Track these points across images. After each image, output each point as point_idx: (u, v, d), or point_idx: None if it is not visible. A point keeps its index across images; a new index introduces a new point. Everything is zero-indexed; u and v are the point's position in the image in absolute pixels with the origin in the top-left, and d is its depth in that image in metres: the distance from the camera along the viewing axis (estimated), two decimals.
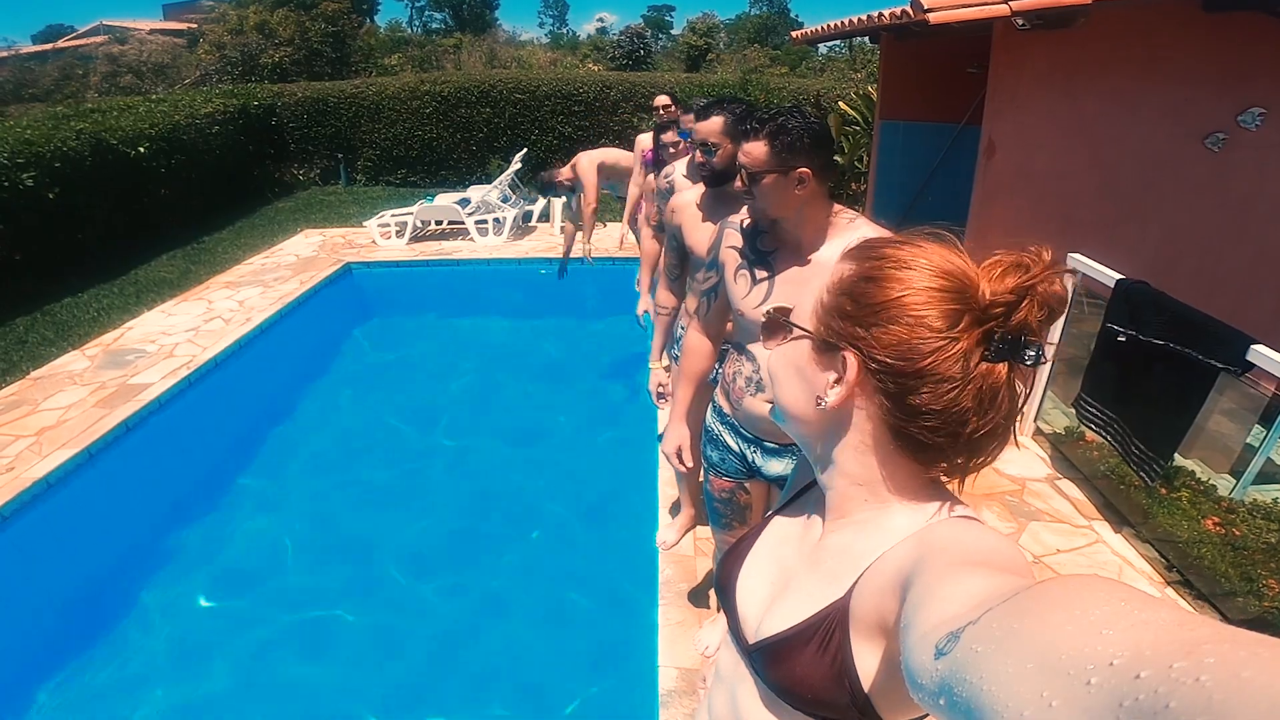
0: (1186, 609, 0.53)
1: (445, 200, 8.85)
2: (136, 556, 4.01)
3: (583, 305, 7.08)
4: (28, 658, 3.34)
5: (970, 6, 4.18)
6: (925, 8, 4.18)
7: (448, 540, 4.05)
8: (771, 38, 36.11)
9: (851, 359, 0.76)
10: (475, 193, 9.06)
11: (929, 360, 0.72)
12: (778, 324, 0.87)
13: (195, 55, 19.20)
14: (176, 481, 4.65)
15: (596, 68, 20.31)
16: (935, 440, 0.75)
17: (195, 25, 23.05)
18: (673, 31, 41.52)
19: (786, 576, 0.90)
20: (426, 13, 47.43)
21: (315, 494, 4.51)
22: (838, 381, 0.78)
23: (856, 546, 0.80)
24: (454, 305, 7.46)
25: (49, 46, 28.00)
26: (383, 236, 8.51)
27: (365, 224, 8.69)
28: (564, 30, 54.45)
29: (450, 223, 8.84)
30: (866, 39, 9.66)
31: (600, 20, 48.44)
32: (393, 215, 8.63)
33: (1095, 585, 0.47)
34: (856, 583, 0.77)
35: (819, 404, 0.80)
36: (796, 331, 0.84)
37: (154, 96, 11.73)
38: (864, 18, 6.31)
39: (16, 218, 7.14)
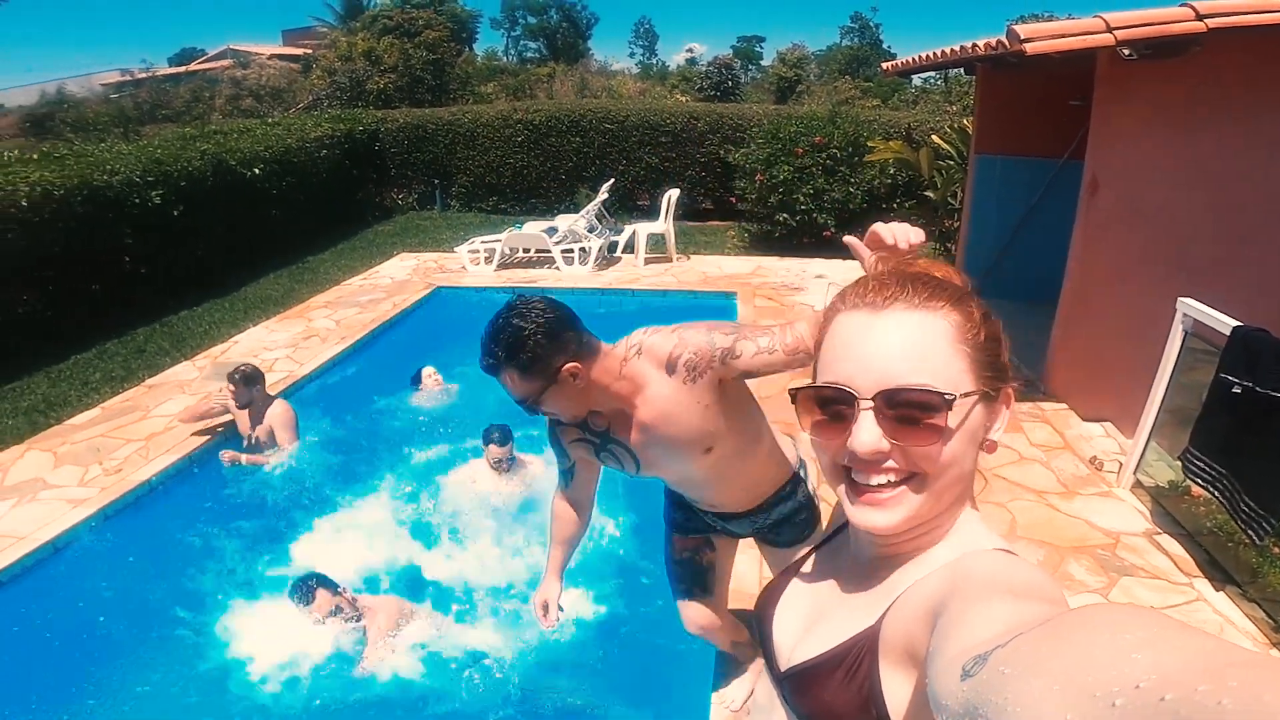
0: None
1: (533, 228, 9.03)
2: (231, 555, 4.17)
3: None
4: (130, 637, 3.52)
5: (1070, 36, 3.97)
6: (1022, 38, 4.01)
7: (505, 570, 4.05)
8: (863, 69, 35.55)
9: (1009, 394, 0.80)
10: (562, 221, 9.22)
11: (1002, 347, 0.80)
12: (937, 402, 0.75)
13: (309, 80, 20.25)
14: (265, 489, 4.81)
15: (684, 98, 20.46)
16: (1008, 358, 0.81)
17: (310, 51, 24.31)
18: (762, 62, 41.43)
19: (821, 608, 0.90)
20: (521, 42, 48.86)
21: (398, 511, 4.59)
22: (996, 423, 0.80)
23: (892, 577, 0.80)
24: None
25: (182, 69, 30.06)
26: (472, 262, 8.74)
27: (456, 250, 8.96)
28: (654, 60, 55.14)
29: (537, 251, 9.00)
30: (962, 71, 9.45)
31: (690, 51, 48.78)
32: (482, 242, 8.87)
33: (1130, 611, 0.47)
34: (887, 611, 0.77)
35: (991, 448, 0.81)
36: (963, 400, 0.75)
37: (269, 120, 12.40)
38: (958, 48, 6.04)
39: (145, 234, 7.63)
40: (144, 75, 26.76)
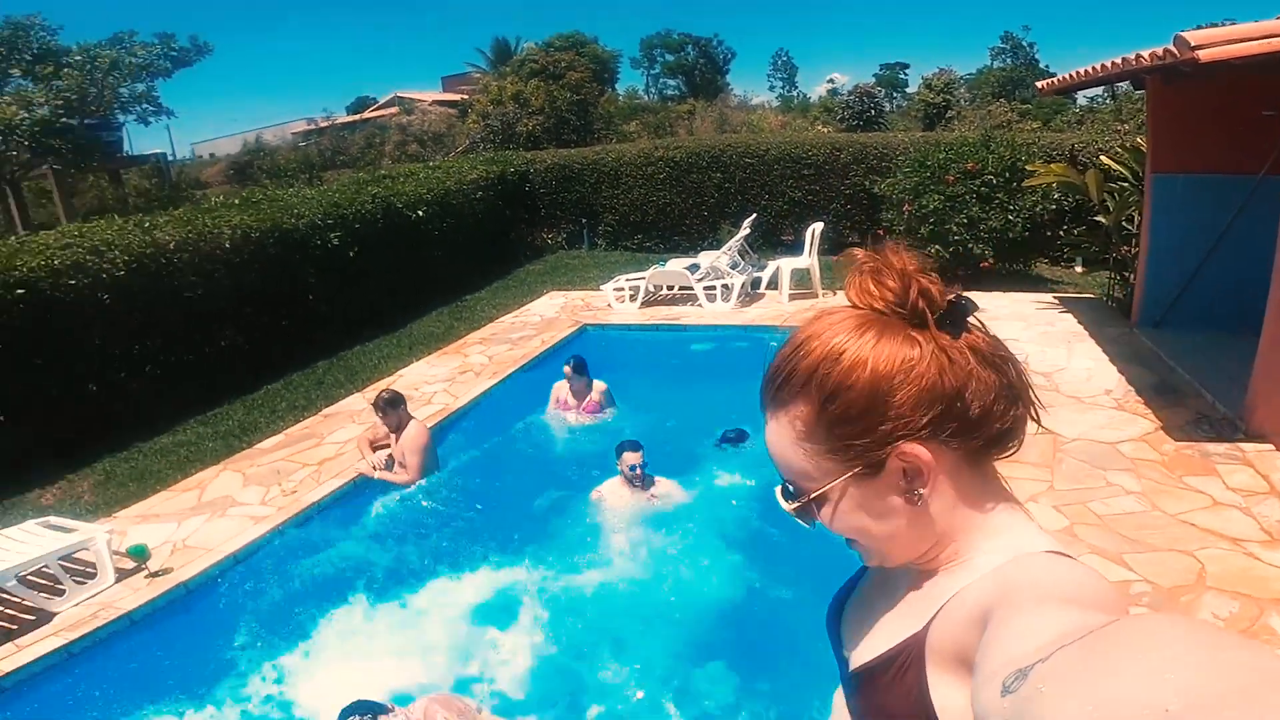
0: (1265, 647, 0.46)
1: (676, 265, 9.10)
2: (378, 572, 4.42)
3: None
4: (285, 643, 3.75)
5: (1252, 40, 3.57)
6: (1193, 45, 3.64)
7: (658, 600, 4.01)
8: (1019, 91, 33.73)
9: (908, 448, 0.75)
10: (705, 258, 9.23)
11: (941, 378, 0.74)
12: (802, 510, 0.83)
13: (465, 125, 21.61)
14: (407, 510, 5.08)
15: (826, 129, 20.16)
16: (1009, 414, 0.77)
17: (466, 96, 25.96)
18: (908, 89, 40.17)
19: (876, 612, 0.91)
20: (661, 80, 49.97)
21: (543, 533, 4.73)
22: (913, 476, 0.77)
23: (940, 583, 0.81)
24: (677, 370, 7.55)
25: (357, 118, 32.93)
26: (617, 300, 8.90)
27: (602, 288, 9.16)
28: (794, 92, 54.90)
29: (680, 288, 9.04)
30: (1130, 86, 8.72)
31: (831, 81, 48.06)
32: (627, 280, 9.02)
33: (1170, 625, 0.47)
34: (934, 617, 0.77)
35: (916, 503, 0.78)
36: (824, 493, 0.80)
37: (431, 164, 13.24)
38: (1119, 61, 5.68)
39: (325, 273, 8.28)
40: (325, 124, 29.50)
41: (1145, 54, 5.15)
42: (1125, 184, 8.07)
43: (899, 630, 0.82)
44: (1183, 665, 0.42)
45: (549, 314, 8.97)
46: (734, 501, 4.96)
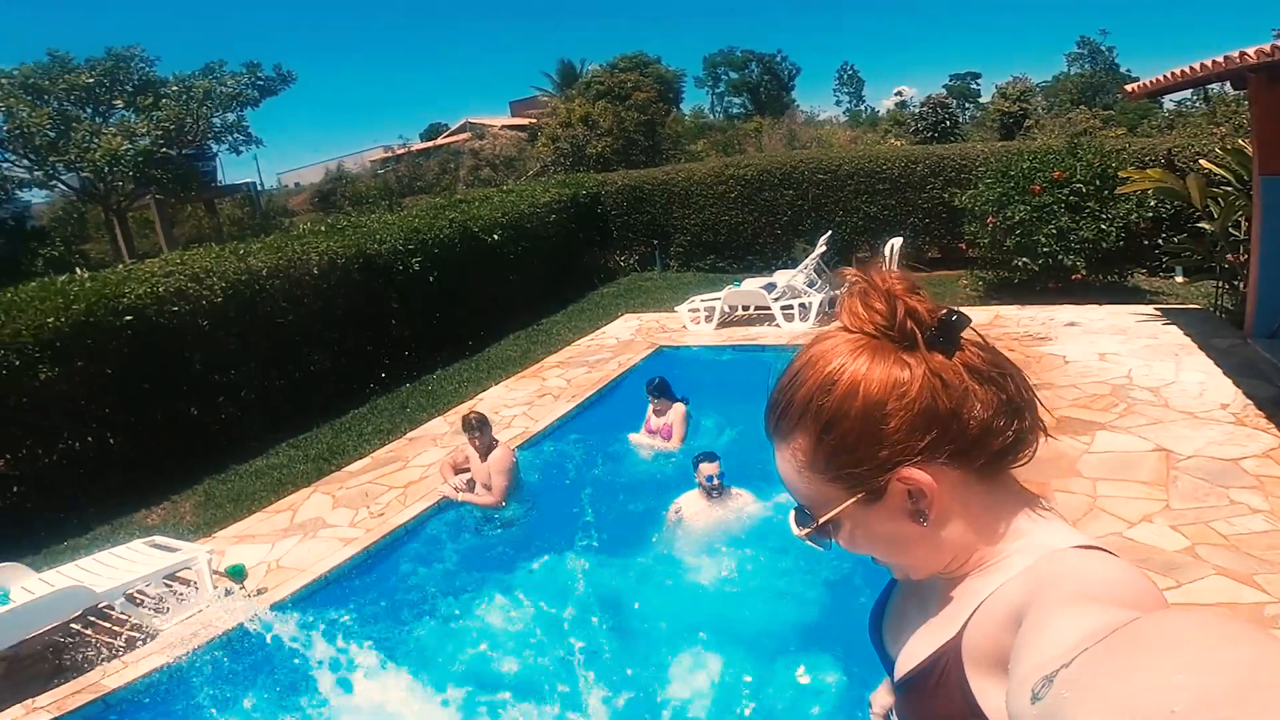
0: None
1: (752, 285, 8.97)
2: (460, 593, 4.41)
3: None
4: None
5: None
6: None
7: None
8: (1100, 97, 32.41)
9: (907, 473, 0.75)
10: (781, 277, 9.07)
11: (935, 400, 0.73)
12: (814, 534, 0.84)
13: (535, 148, 21.99)
14: (491, 532, 5.12)
15: (899, 143, 19.72)
16: (1011, 429, 0.76)
17: (534, 120, 26.46)
18: (980, 99, 39.02)
19: (913, 620, 0.90)
20: (726, 98, 49.96)
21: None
22: (917, 499, 0.76)
23: (971, 587, 0.80)
24: (756, 390, 7.38)
25: (431, 144, 34.00)
26: (693, 321, 8.82)
27: (677, 309, 9.08)
28: (861, 106, 54.09)
29: (756, 308, 8.90)
30: (1228, 86, 8.19)
31: (899, 94, 46.99)
32: (702, 301, 8.92)
33: (1185, 625, 0.48)
34: (967, 623, 0.77)
35: (924, 523, 0.77)
36: (833, 519, 0.81)
37: (504, 187, 13.44)
38: (1220, 60, 5.39)
39: (407, 299, 8.44)
40: (402, 151, 30.54)
41: (1251, 51, 4.91)
42: (1229, 188, 7.59)
43: (935, 638, 0.82)
44: (1191, 667, 0.43)
45: (624, 336, 8.94)
46: None
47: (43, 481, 5.71)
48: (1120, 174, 8.42)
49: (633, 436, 6.17)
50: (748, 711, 3.39)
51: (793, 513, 0.86)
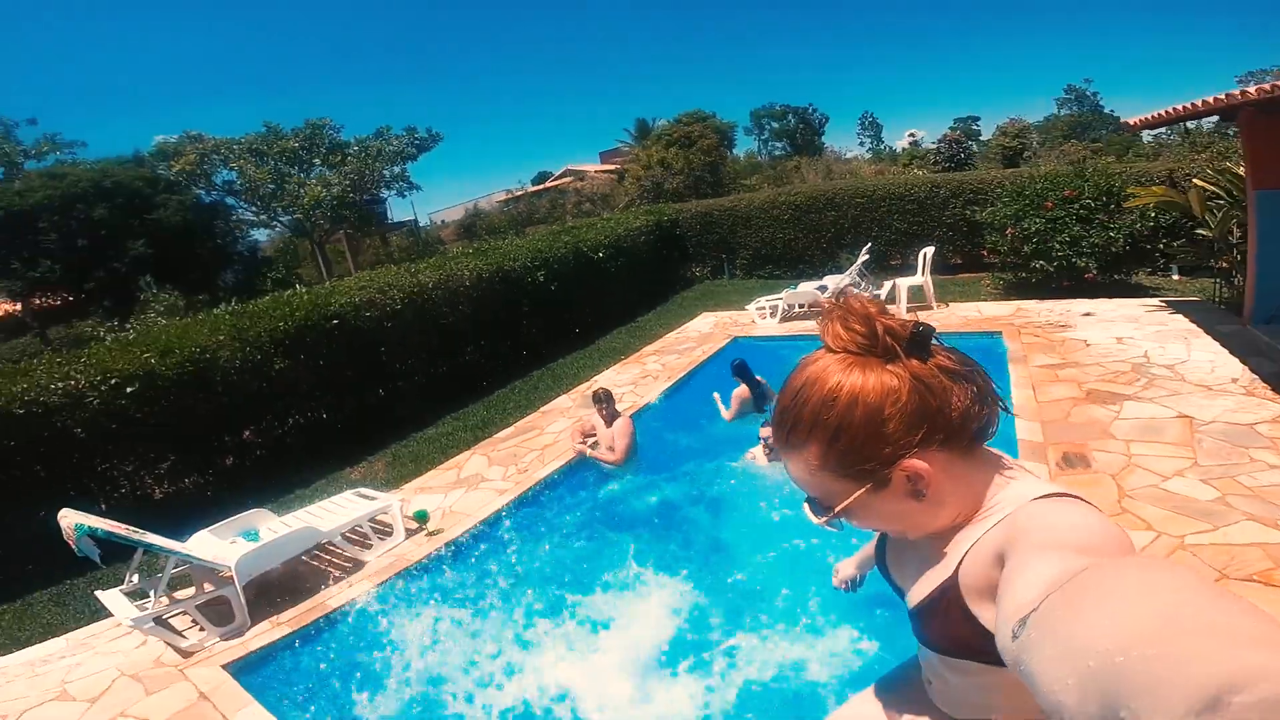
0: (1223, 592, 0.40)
1: (806, 287, 8.53)
2: (593, 535, 4.26)
3: None
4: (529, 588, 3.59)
5: None
6: None
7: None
8: (1088, 133, 29.94)
9: (908, 463, 0.71)
10: (831, 280, 8.60)
11: (923, 400, 0.70)
12: (830, 520, 0.80)
13: (623, 187, 21.80)
14: (612, 484, 4.87)
15: (921, 172, 18.62)
16: (984, 413, 0.73)
17: (619, 165, 26.25)
18: (981, 138, 36.58)
19: (910, 562, 0.87)
20: (770, 143, 48.50)
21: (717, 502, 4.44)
22: (915, 481, 0.73)
23: (961, 536, 0.77)
24: None
25: (541, 187, 34.29)
26: (760, 317, 8.45)
27: (746, 308, 8.73)
28: (881, 146, 51.66)
29: (811, 306, 8.45)
30: (1207, 120, 7.41)
31: (911, 135, 44.67)
32: (767, 300, 8.56)
33: (1122, 575, 0.46)
34: (960, 564, 0.74)
35: (923, 500, 0.74)
36: (846, 507, 0.77)
37: (604, 217, 13.31)
38: (1220, 97, 5.06)
39: (535, 304, 8.41)
40: (520, 192, 30.87)
41: (1252, 89, 4.81)
42: (1221, 201, 6.92)
43: (934, 577, 0.79)
44: (1135, 610, 0.40)
45: (705, 330, 8.64)
46: None
47: (278, 447, 5.89)
48: (1127, 190, 7.81)
49: (722, 410, 5.91)
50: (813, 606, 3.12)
51: (806, 504, 0.82)
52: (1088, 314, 6.92)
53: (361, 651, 3.29)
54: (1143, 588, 0.43)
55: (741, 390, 5.83)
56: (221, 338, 5.42)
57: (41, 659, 3.46)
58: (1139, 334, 6.05)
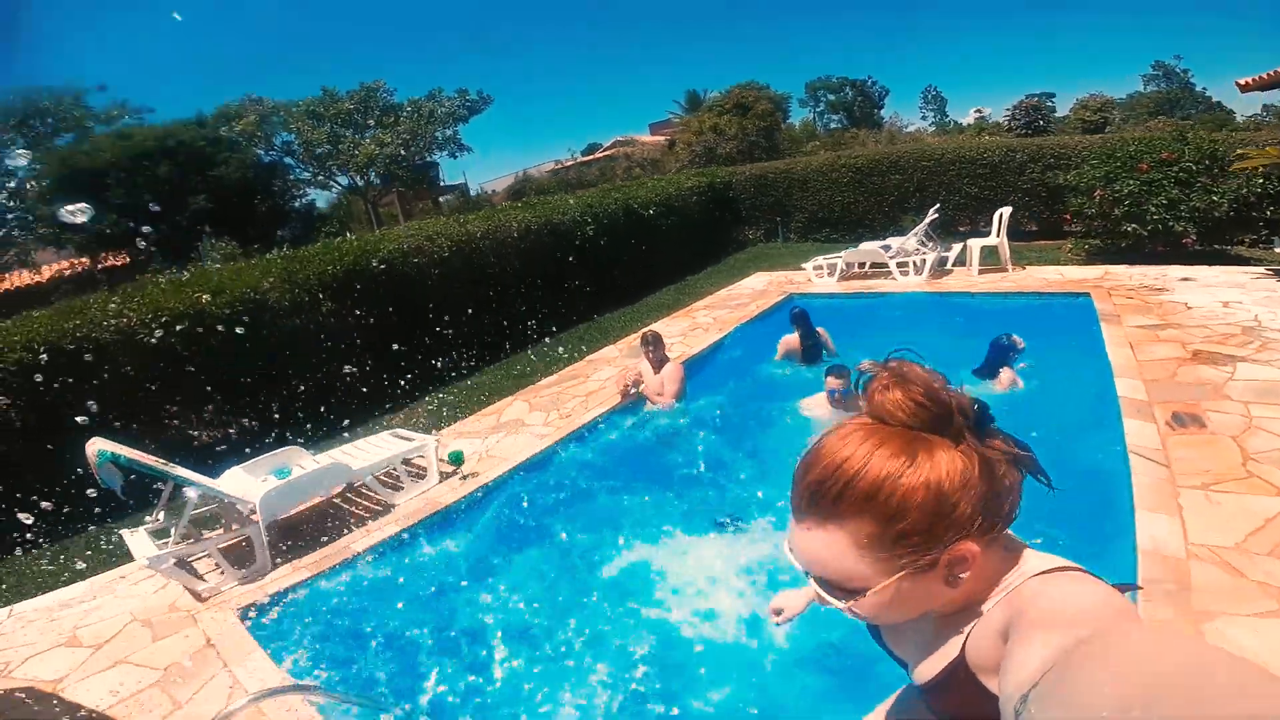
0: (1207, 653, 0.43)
1: (868, 246, 8.03)
2: (635, 477, 4.04)
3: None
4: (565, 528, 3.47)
5: None
6: None
7: None
8: (1176, 110, 27.61)
9: (962, 547, 0.67)
10: (895, 240, 8.08)
11: (990, 485, 0.67)
12: (857, 602, 0.71)
13: (674, 154, 21.29)
14: (658, 428, 4.74)
15: (993, 137, 17.45)
16: (1020, 497, 0.71)
17: (670, 135, 25.64)
18: (1056, 114, 34.20)
19: (909, 638, 0.83)
20: (825, 115, 46.64)
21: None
22: (956, 564, 0.68)
23: (962, 614, 0.73)
24: (880, 327, 6.57)
25: (592, 157, 33.96)
26: (817, 276, 8.04)
27: (803, 266, 8.33)
28: (946, 120, 49.00)
29: (872, 266, 7.98)
30: None
31: (978, 111, 42.08)
32: (825, 259, 8.13)
33: (1128, 641, 0.48)
34: (965, 643, 0.72)
35: (956, 585, 0.69)
36: (885, 587, 0.68)
37: (655, 178, 12.98)
38: None
39: (585, 260, 8.20)
40: (570, 162, 30.64)
41: None
42: None
43: (941, 656, 0.75)
44: (1121, 678, 0.43)
45: (758, 287, 8.28)
46: None
47: (323, 389, 5.88)
48: (1237, 151, 7.09)
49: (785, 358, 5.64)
50: None
51: (817, 589, 0.72)
52: (1185, 279, 6.29)
53: (382, 598, 3.13)
54: (1139, 655, 0.45)
55: (790, 339, 5.53)
56: (272, 280, 5.44)
57: (62, 604, 3.33)
58: (1247, 299, 5.48)
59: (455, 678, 2.58)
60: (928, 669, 0.78)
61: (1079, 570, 0.68)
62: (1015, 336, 4.62)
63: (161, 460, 3.22)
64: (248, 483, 3.60)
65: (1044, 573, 0.68)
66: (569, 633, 2.74)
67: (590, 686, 2.45)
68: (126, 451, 3.05)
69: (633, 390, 4.92)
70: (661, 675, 2.47)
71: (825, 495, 0.66)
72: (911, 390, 0.67)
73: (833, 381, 4.17)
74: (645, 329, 5.04)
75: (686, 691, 2.40)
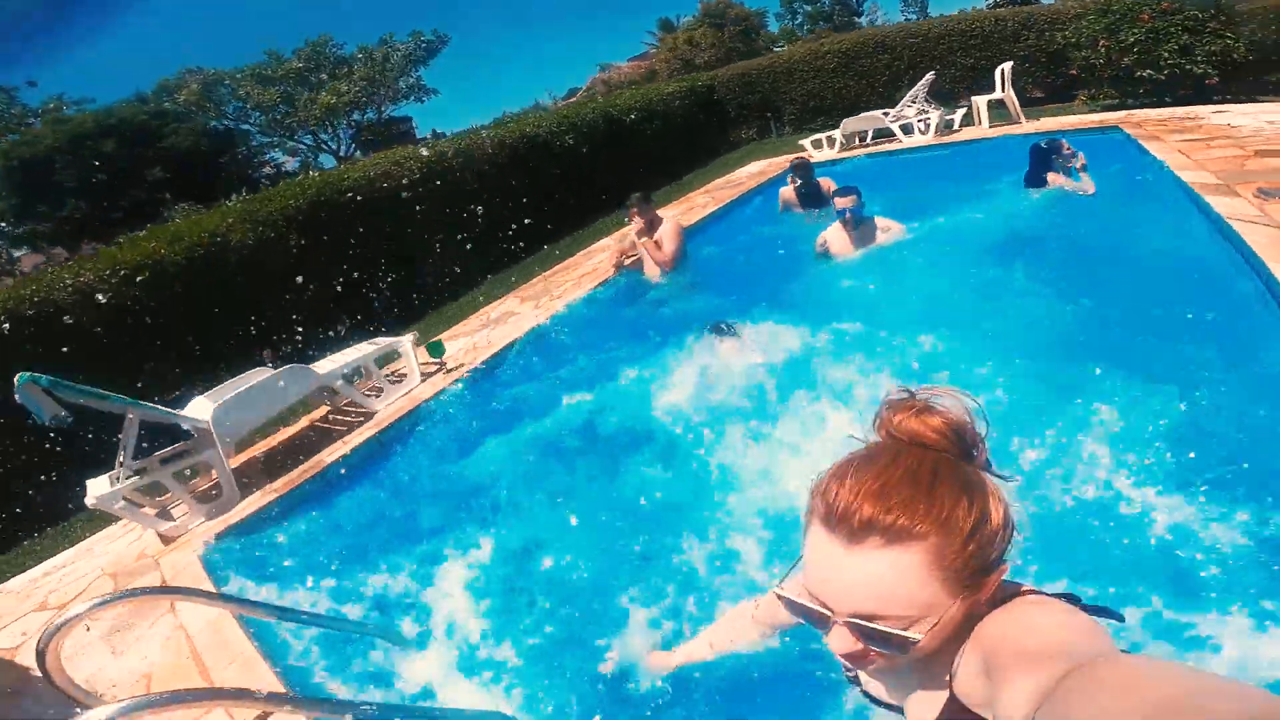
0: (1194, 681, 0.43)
1: (867, 114, 7.54)
2: (626, 347, 3.71)
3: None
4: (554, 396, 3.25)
5: None
6: None
7: None
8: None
9: (1005, 568, 0.66)
10: (892, 111, 7.51)
11: (1008, 507, 0.67)
12: (900, 641, 0.64)
13: (656, 80, 20.27)
14: (651, 299, 4.41)
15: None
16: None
17: (648, 66, 24.38)
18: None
19: (889, 677, 0.81)
20: (804, 26, 44.40)
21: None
22: (992, 590, 0.67)
23: (940, 658, 0.68)
24: (893, 182, 5.96)
25: (572, 100, 32.62)
26: (815, 149, 7.59)
27: (801, 142, 7.87)
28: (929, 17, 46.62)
29: (874, 133, 7.49)
30: None
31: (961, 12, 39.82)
32: (824, 135, 7.67)
33: (1113, 670, 0.48)
34: (952, 681, 0.68)
35: (984, 614, 0.67)
36: (949, 616, 0.64)
37: (633, 88, 12.36)
38: None
39: (565, 170, 7.80)
40: (550, 104, 29.57)
41: None
42: None
43: (933, 697, 0.71)
44: (1116, 707, 0.43)
45: (756, 170, 7.86)
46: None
47: (306, 319, 5.56)
48: None
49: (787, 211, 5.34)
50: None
51: (852, 634, 0.64)
52: (1219, 111, 5.75)
53: (354, 511, 2.87)
54: (1126, 683, 0.45)
55: (787, 191, 5.17)
56: (231, 220, 5.25)
57: (45, 572, 3.14)
58: None
59: (421, 576, 2.27)
60: (921, 711, 0.74)
61: (1040, 592, 0.67)
62: (1059, 140, 4.20)
63: (91, 389, 2.78)
64: (204, 405, 3.24)
65: (1005, 599, 0.66)
66: (556, 526, 2.39)
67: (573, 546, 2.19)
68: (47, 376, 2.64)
69: (628, 261, 4.55)
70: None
71: (909, 500, 0.61)
72: (928, 418, 0.67)
73: (843, 200, 3.81)
74: (635, 191, 4.57)
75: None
